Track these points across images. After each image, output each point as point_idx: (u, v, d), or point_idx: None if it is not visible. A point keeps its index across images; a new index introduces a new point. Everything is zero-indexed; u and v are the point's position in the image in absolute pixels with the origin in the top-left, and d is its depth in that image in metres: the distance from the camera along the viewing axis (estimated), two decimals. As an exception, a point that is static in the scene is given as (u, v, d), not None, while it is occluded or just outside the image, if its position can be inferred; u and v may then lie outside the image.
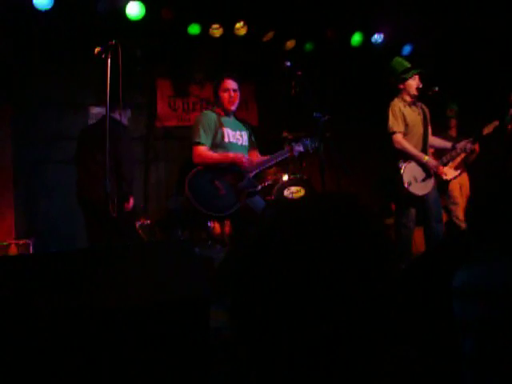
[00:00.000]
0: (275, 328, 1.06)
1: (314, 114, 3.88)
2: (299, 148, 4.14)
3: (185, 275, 2.21)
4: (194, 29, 5.94)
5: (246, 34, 6.08)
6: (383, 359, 1.09)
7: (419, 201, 4.48)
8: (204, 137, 3.91)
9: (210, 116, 4.02)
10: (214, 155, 3.91)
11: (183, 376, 2.05)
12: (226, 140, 3.97)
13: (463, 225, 5.01)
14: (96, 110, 5.68)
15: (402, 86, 4.58)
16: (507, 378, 1.36)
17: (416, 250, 4.93)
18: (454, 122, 5.86)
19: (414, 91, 4.53)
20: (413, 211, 4.54)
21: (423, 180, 4.48)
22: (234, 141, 4.04)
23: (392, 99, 4.61)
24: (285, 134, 5.33)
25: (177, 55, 6.19)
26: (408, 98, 4.57)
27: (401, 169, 4.43)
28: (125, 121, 4.59)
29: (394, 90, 4.64)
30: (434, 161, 4.55)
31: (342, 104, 6.35)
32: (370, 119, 5.58)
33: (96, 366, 1.89)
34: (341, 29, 6.44)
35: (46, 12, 5.14)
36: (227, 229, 4.83)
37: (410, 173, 4.44)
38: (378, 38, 6.54)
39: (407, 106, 4.57)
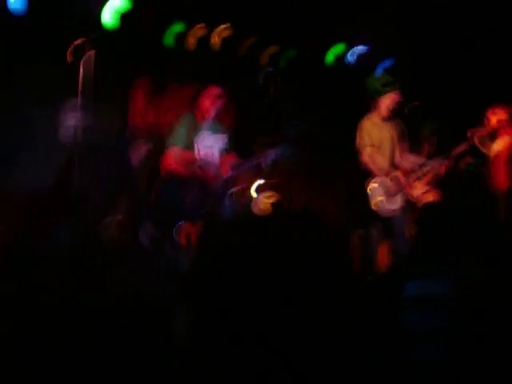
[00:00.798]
0: (235, 337, 1.06)
1: (291, 121, 3.91)
2: (274, 154, 4.17)
3: (149, 277, 2.20)
4: (178, 27, 5.90)
5: (227, 37, 6.07)
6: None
7: (387, 215, 4.54)
8: (178, 139, 3.91)
9: (188, 119, 4.02)
10: (186, 156, 3.91)
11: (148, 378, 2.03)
12: (200, 144, 3.98)
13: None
14: (72, 108, 5.56)
15: (374, 105, 4.66)
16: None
17: (382, 264, 4.98)
18: (429, 140, 5.93)
19: (385, 110, 4.60)
20: (380, 225, 4.60)
21: (392, 195, 4.54)
22: (209, 144, 4.04)
23: (366, 115, 4.68)
24: (260, 139, 5.34)
25: (158, 54, 6.14)
26: (379, 117, 4.64)
27: (371, 183, 4.49)
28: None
29: (369, 105, 4.71)
30: (402, 177, 4.61)
31: (319, 113, 6.38)
32: (345, 131, 5.62)
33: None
34: (322, 39, 6.48)
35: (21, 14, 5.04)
36: (194, 232, 4.82)
37: (379, 188, 4.50)
38: (351, 57, 6.58)
39: (379, 124, 4.63)
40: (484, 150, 5.26)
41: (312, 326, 1.11)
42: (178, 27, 5.90)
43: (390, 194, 4.54)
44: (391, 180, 4.53)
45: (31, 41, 5.22)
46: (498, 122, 5.29)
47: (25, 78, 5.31)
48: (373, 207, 4.48)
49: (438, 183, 5.76)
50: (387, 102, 4.60)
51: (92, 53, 3.33)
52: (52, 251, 2.88)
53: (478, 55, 6.10)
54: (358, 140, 4.62)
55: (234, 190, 4.90)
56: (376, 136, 4.61)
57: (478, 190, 5.40)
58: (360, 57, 6.58)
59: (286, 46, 6.48)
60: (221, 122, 4.27)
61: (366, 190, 4.49)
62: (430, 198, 5.81)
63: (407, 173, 4.79)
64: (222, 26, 6.03)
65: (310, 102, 6.33)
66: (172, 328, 2.11)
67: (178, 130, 3.97)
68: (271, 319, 1.10)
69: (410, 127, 4.91)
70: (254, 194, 5.19)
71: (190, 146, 3.99)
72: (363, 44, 6.56)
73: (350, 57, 6.56)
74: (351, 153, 4.77)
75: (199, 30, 5.96)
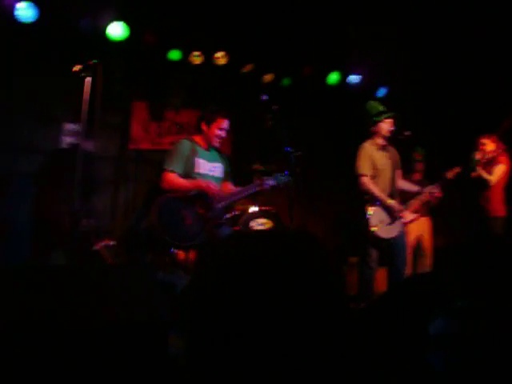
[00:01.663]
0: (231, 360, 1.06)
1: (287, 149, 3.94)
2: (270, 182, 4.18)
3: (144, 299, 2.19)
4: (175, 54, 5.99)
5: (225, 64, 6.15)
6: None
7: (384, 243, 4.55)
8: (176, 164, 3.93)
9: (186, 145, 4.05)
10: (183, 182, 3.93)
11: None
12: (197, 170, 4.00)
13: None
14: (70, 127, 5.61)
15: (374, 129, 4.69)
16: None
17: (378, 290, 4.97)
18: (420, 166, 5.98)
19: (385, 134, 4.64)
20: (376, 252, 4.60)
21: (389, 224, 4.55)
22: (206, 172, 4.06)
23: (364, 141, 4.71)
24: (256, 167, 5.36)
25: (155, 79, 6.21)
26: (380, 142, 4.67)
27: (368, 211, 4.50)
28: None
29: (367, 132, 4.74)
30: (398, 205, 4.63)
31: (315, 141, 6.44)
32: (342, 158, 5.66)
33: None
34: (318, 67, 6.57)
35: (28, 24, 5.10)
36: (192, 255, 4.80)
37: (377, 216, 4.51)
38: (354, 78, 6.69)
39: (378, 150, 4.66)
40: (483, 176, 5.32)
41: (305, 348, 1.11)
42: (174, 54, 5.99)
43: (388, 222, 4.56)
44: (388, 207, 4.55)
45: (34, 52, 5.28)
46: (494, 149, 5.36)
47: (24, 90, 5.36)
48: (370, 234, 4.48)
49: (431, 208, 5.80)
50: (388, 126, 4.64)
51: (99, 72, 3.35)
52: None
53: (467, 84, 6.21)
54: (357, 163, 4.63)
55: (230, 215, 4.90)
56: (379, 160, 4.63)
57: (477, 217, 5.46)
58: (355, 84, 6.68)
59: (282, 74, 6.57)
60: (218, 150, 4.29)
61: (365, 216, 4.50)
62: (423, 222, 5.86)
63: (403, 199, 4.81)
64: (219, 54, 6.12)
65: (305, 129, 6.39)
66: (168, 349, 2.10)
67: (176, 155, 3.99)
68: (268, 340, 1.11)
69: (402, 155, 4.95)
70: (249, 220, 5.20)
71: (188, 172, 4.00)
72: (358, 73, 6.68)
73: (354, 77, 6.66)
74: (348, 179, 4.79)
75: (196, 58, 6.05)
